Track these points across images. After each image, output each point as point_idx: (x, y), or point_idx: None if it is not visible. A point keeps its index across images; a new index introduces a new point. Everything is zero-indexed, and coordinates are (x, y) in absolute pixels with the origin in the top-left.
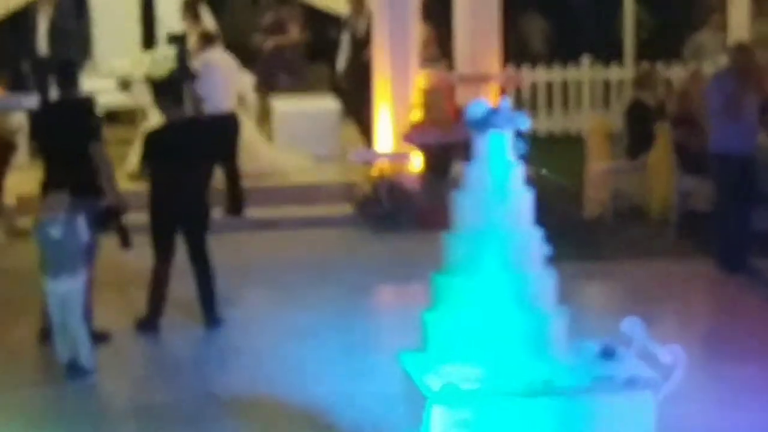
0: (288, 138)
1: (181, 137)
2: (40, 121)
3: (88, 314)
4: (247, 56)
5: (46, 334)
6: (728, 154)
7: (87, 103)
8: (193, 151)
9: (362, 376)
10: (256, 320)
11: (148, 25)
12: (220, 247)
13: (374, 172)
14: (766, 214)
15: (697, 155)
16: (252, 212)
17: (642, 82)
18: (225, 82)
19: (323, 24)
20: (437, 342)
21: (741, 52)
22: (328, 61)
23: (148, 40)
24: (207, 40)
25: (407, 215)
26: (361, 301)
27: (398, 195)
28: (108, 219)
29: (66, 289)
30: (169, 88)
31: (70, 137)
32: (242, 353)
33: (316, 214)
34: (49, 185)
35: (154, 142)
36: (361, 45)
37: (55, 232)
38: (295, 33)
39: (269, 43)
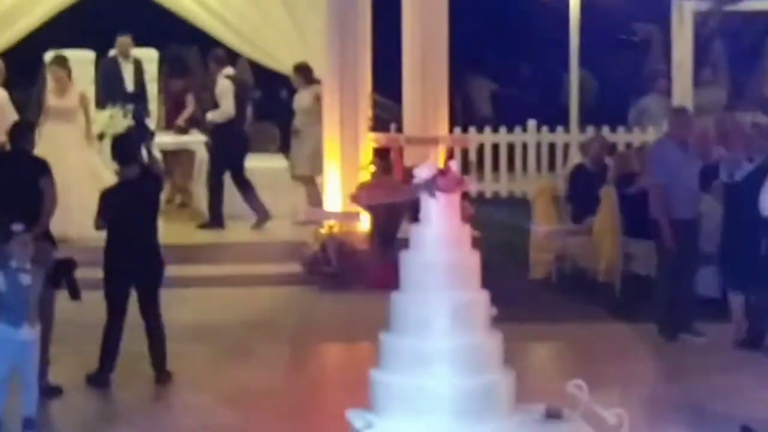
0: (238, 196)
1: (135, 194)
2: None
3: (43, 369)
4: None
5: None
6: (670, 219)
7: (37, 162)
8: (147, 208)
9: None
10: (206, 377)
11: (103, 83)
12: (170, 303)
13: (323, 231)
14: (707, 278)
15: (641, 219)
16: (202, 269)
17: (586, 147)
18: None
19: (272, 84)
20: (385, 401)
21: (679, 118)
22: (277, 121)
23: (104, 98)
24: None
25: (355, 275)
26: (309, 359)
27: (347, 255)
28: (59, 274)
29: (26, 339)
30: (126, 146)
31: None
32: (191, 410)
33: (266, 272)
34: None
35: (108, 200)
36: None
37: (25, 279)
38: (227, 106)
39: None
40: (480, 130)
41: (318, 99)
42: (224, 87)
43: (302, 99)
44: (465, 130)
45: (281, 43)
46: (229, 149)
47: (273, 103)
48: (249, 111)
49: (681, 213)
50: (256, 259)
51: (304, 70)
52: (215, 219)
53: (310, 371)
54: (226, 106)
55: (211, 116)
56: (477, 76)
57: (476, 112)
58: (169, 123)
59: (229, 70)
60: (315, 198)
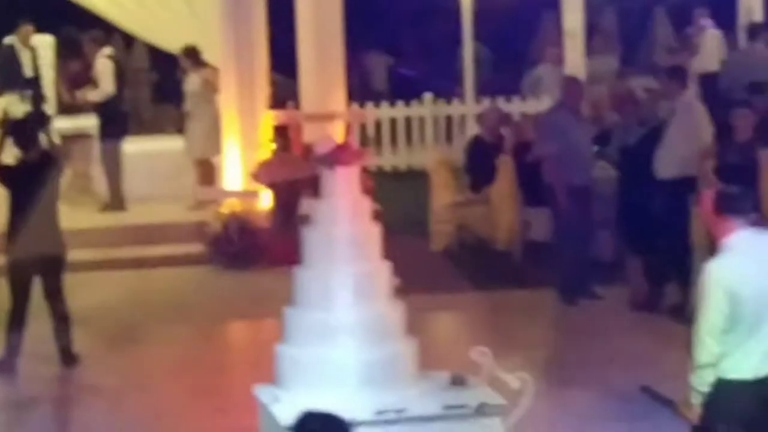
0: (138, 179)
1: (35, 179)
2: None
3: None
4: None
5: None
6: (565, 185)
7: None
8: (47, 192)
9: (219, 412)
10: (113, 359)
11: (1, 70)
12: (74, 287)
13: (224, 210)
14: (604, 242)
15: (538, 187)
16: (105, 252)
17: (483, 118)
18: None
19: (169, 65)
20: (292, 375)
21: (570, 86)
22: (176, 103)
23: (2, 85)
24: None
25: (258, 252)
26: (215, 337)
27: (249, 233)
28: None
29: None
30: (25, 130)
31: None
32: (99, 392)
33: (168, 254)
34: None
35: (8, 184)
36: None
37: None
38: (107, 85)
39: (79, 97)
40: (377, 104)
41: (207, 82)
42: (103, 67)
43: (191, 82)
44: (362, 105)
45: (176, 25)
46: (111, 129)
47: (171, 86)
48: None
49: (575, 179)
50: (158, 241)
51: (191, 54)
52: (116, 202)
53: (217, 349)
54: (105, 86)
55: (91, 96)
56: (374, 51)
57: (373, 86)
58: (68, 104)
59: (107, 50)
60: (206, 179)
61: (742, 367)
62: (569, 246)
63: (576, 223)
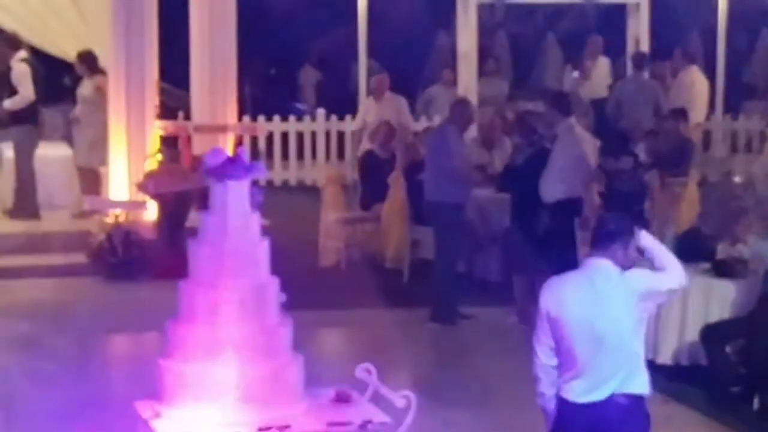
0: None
1: None
2: None
3: None
4: None
5: None
6: (444, 203)
7: None
8: None
9: (98, 427)
10: None
11: None
12: None
13: (109, 220)
14: (491, 262)
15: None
16: None
17: (375, 134)
18: None
19: (56, 69)
20: (174, 390)
21: (460, 107)
22: (61, 109)
23: None
24: None
25: (142, 264)
26: (96, 350)
27: (133, 244)
28: None
29: None
30: None
31: None
32: None
33: (49, 263)
34: None
35: None
36: None
37: None
38: (27, 91)
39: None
40: (269, 118)
41: (99, 89)
42: (21, 71)
43: (84, 88)
44: (254, 118)
45: (64, 29)
46: (28, 136)
47: (56, 91)
48: None
49: (454, 197)
50: (38, 250)
51: (87, 59)
52: (29, 209)
53: (97, 362)
54: (25, 91)
55: (10, 104)
56: (306, 66)
57: (305, 99)
58: None
59: (23, 54)
60: (91, 187)
61: (573, 389)
62: (449, 264)
63: (455, 241)
